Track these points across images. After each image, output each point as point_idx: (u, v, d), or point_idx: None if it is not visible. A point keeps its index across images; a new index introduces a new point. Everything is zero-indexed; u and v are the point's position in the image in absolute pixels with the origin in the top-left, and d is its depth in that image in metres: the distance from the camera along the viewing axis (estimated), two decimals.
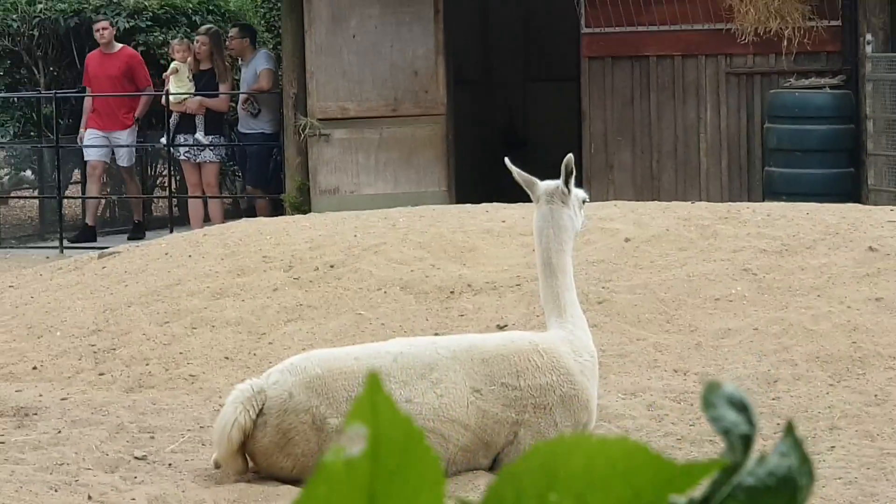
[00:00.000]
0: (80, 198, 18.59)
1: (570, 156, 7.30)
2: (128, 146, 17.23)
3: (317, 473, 0.74)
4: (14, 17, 18.85)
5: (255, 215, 14.84)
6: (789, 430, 0.85)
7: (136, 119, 17.15)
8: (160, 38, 18.40)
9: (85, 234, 17.10)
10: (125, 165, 17.36)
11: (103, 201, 18.32)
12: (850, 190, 14.39)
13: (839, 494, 6.64)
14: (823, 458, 7.13)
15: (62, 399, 8.92)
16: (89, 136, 16.95)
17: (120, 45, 17.28)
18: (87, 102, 17.41)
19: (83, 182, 18.32)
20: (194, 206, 16.77)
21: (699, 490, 0.83)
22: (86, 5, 18.76)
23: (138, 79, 17.18)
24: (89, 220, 17.31)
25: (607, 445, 0.77)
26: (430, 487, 0.76)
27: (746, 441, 0.85)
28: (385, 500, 0.75)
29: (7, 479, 7.12)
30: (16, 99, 19.76)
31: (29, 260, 15.58)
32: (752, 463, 0.84)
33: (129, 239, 16.09)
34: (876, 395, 8.25)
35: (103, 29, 17.15)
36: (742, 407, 0.86)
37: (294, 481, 7.29)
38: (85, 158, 17.43)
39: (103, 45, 17.12)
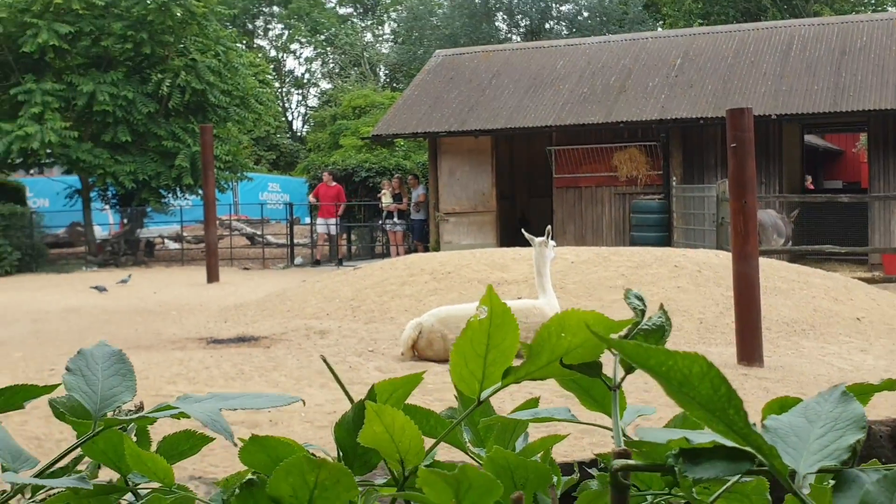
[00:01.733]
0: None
1: (549, 227, 9.32)
2: (335, 225, 22.77)
3: (467, 327, 0.89)
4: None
5: (417, 252, 19.03)
6: (661, 307, 1.07)
7: (338, 214, 22.74)
8: (377, 178, 24.38)
9: (337, 262, 22.30)
10: (334, 234, 23.04)
11: (344, 246, 23.65)
12: (666, 243, 18.48)
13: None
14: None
15: (338, 326, 10.71)
16: (323, 222, 22.69)
17: (335, 183, 23.07)
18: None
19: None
20: (393, 249, 22.07)
21: (623, 332, 0.98)
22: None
23: (341, 199, 22.69)
24: (319, 257, 22.91)
25: (584, 313, 0.90)
26: (512, 333, 0.89)
27: (642, 312, 1.06)
28: (495, 338, 0.88)
29: (315, 360, 8.40)
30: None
31: (323, 271, 19.31)
32: (645, 321, 1.02)
33: (336, 266, 21.60)
34: (678, 328, 9.84)
35: (326, 174, 23.37)
36: (640, 298, 1.10)
37: (437, 361, 8.32)
38: (319, 231, 23.28)
39: (327, 181, 22.95)
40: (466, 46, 29.57)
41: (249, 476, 0.72)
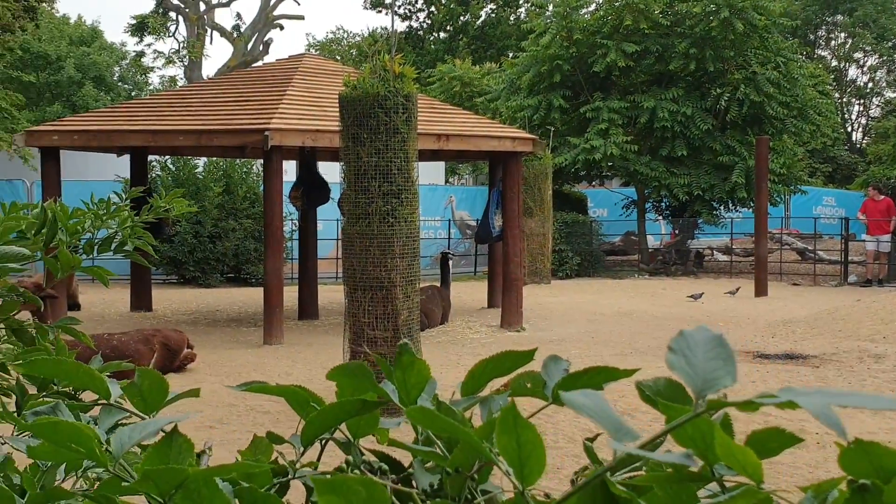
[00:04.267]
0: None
1: None
2: (887, 242, 21.20)
3: None
4: None
5: None
6: None
7: (891, 230, 21.24)
8: None
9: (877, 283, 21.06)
10: (886, 252, 21.44)
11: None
12: None
13: None
14: None
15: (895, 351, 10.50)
16: (872, 239, 21.35)
17: (882, 196, 21.47)
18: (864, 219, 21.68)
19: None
20: None
21: None
22: None
23: (891, 213, 21.09)
24: (869, 276, 21.53)
25: None
26: None
27: None
28: None
29: (869, 384, 8.92)
30: None
31: (880, 291, 17.92)
32: None
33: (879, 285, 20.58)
34: None
35: (871, 189, 21.91)
36: None
37: None
38: (868, 249, 21.64)
39: (873, 196, 21.56)
40: None
41: (862, 481, 0.67)
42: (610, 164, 23.26)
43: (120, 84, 33.19)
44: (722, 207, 24.78)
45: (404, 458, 1.08)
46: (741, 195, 22.89)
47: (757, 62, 23.01)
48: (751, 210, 22.68)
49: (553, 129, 22.42)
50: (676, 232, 25.72)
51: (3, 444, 1.24)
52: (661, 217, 26.70)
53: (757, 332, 12.98)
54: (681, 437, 0.70)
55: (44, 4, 23.25)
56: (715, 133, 23.26)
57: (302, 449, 0.99)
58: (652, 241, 26.55)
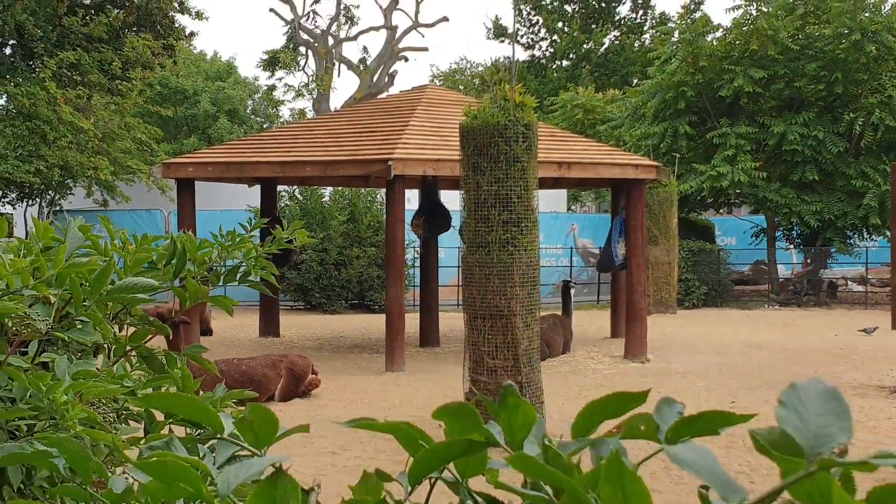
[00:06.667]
0: None
1: None
2: None
3: None
4: None
5: None
6: None
7: None
8: None
9: None
10: None
11: None
12: None
13: None
14: None
15: None
16: None
17: None
18: None
19: None
20: None
21: None
22: None
23: None
24: None
25: None
26: None
27: None
28: None
29: None
30: None
31: None
32: None
33: None
34: None
35: None
36: None
37: None
38: None
39: None
40: None
41: None
42: (738, 191, 22.74)
43: (252, 117, 34.31)
44: (856, 236, 23.97)
45: (516, 499, 1.06)
46: (874, 221, 21.97)
47: (892, 86, 22.16)
48: (887, 239, 21.97)
49: (679, 155, 22.07)
50: (808, 261, 24.91)
51: (124, 474, 1.28)
52: (792, 245, 25.93)
53: (894, 366, 12.52)
54: (799, 494, 0.67)
55: (182, 42, 24.26)
56: (848, 158, 22.49)
57: (409, 488, 0.98)
58: (783, 271, 25.83)
